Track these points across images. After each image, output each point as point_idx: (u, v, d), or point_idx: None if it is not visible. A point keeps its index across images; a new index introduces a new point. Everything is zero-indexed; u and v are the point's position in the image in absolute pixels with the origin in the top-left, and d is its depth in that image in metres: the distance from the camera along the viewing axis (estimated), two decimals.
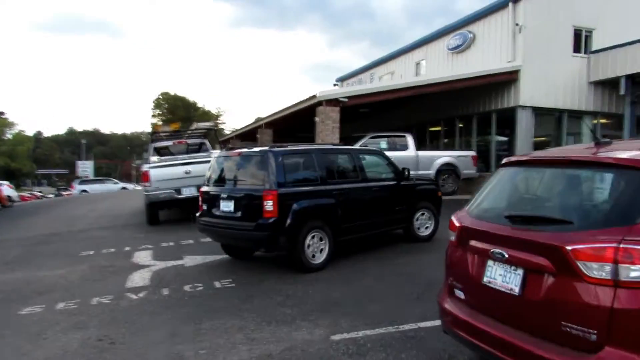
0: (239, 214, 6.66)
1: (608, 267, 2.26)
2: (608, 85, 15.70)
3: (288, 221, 6.39)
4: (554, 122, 15.91)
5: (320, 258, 6.76)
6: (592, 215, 2.76)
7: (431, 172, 14.21)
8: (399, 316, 4.71)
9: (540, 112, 15.37)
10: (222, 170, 7.37)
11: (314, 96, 13.95)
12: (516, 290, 2.69)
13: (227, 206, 6.84)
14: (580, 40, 15.55)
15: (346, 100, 13.93)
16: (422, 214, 8.43)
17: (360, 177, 7.59)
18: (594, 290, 2.30)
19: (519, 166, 3.40)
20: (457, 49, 18.09)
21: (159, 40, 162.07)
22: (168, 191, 11.09)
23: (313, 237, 6.68)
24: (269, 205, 6.30)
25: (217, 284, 6.32)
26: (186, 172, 11.18)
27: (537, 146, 15.77)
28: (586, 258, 2.34)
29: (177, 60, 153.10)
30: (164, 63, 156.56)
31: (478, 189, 3.57)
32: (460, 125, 18.71)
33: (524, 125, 15.07)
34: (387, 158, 8.40)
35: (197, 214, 7.52)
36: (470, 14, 17.65)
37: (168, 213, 12.74)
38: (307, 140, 15.11)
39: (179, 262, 7.67)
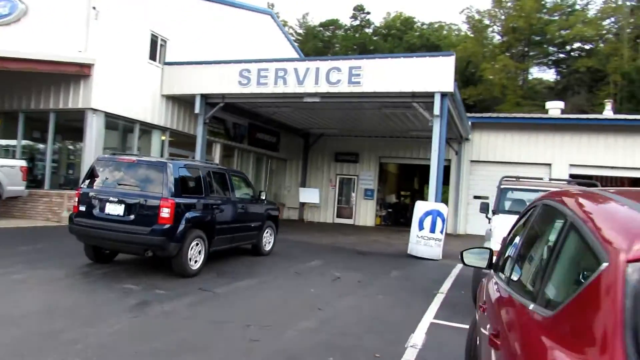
0: (130, 218, 7.34)
1: None
2: (182, 101, 16.31)
3: (180, 229, 7.38)
4: (123, 132, 15.05)
5: (197, 265, 7.83)
6: None
7: None
8: None
9: (112, 120, 14.15)
10: (110, 174, 7.84)
11: None
12: None
13: (115, 210, 7.42)
14: (157, 48, 15.50)
15: None
16: (268, 232, 10.55)
17: (231, 195, 9.16)
18: None
19: None
20: (1, 19, 14.43)
21: None
22: None
23: (195, 245, 7.73)
24: (165, 212, 7.23)
25: None
26: None
27: None
28: None
29: None
30: None
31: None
32: None
33: (95, 133, 13.40)
34: (248, 180, 10.67)
35: (72, 214, 7.85)
36: None
37: None
38: None
39: None
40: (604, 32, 56.81)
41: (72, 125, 14.10)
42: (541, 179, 8.61)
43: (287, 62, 14.38)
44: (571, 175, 20.03)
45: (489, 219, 8.18)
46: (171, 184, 7.39)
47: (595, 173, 19.85)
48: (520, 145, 21.11)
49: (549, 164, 20.68)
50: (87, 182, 7.98)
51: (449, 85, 12.58)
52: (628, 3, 49.11)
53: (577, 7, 53.16)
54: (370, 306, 6.74)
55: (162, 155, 16.04)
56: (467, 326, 6.15)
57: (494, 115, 23.40)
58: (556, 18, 53.54)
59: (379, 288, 7.99)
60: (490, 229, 7.83)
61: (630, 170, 19.53)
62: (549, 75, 67.25)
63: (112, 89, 13.77)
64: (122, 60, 14.10)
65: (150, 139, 15.70)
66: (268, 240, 10.62)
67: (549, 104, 25.82)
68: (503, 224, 7.48)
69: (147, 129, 15.42)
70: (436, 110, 12.63)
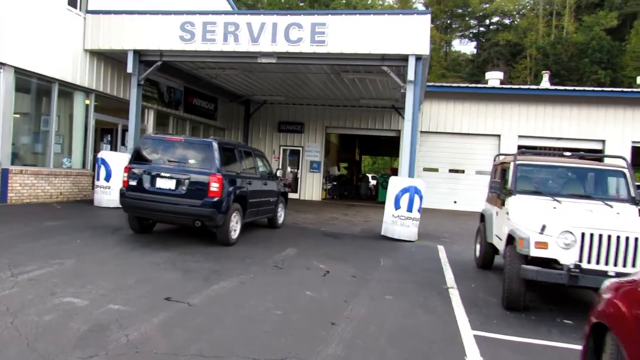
0: (182, 191, 8.05)
1: None
2: (111, 59, 13.81)
3: (226, 201, 8.15)
4: (39, 93, 12.41)
5: (235, 234, 8.70)
6: None
7: None
8: None
9: (23, 78, 11.54)
10: (158, 152, 8.57)
11: None
12: None
13: (166, 184, 8.11)
14: None
15: None
16: (280, 207, 11.31)
17: (256, 172, 10.06)
18: None
19: None
20: None
21: None
22: None
23: (234, 216, 8.52)
24: (215, 186, 7.98)
25: None
26: None
27: (19, 125, 11.86)
28: None
29: None
30: None
31: None
32: None
33: (3, 92, 10.78)
34: (266, 159, 11.34)
35: (122, 189, 8.38)
36: None
37: None
38: None
39: None
40: (521, 7, 58.64)
41: None
42: (561, 153, 7.58)
43: (239, 15, 12.45)
44: (519, 147, 19.81)
45: (502, 200, 7.06)
46: (217, 160, 8.13)
47: (543, 144, 19.74)
48: (470, 116, 20.56)
49: (499, 135, 20.34)
50: (137, 158, 8.56)
51: (424, 48, 11.30)
52: None
53: None
54: (388, 314, 5.41)
55: (86, 122, 13.61)
56: (515, 338, 5.05)
57: (446, 84, 22.64)
58: None
59: (380, 285, 6.68)
60: (507, 212, 6.73)
61: (576, 142, 19.58)
62: (469, 48, 68.77)
63: (23, 39, 11.17)
64: (35, 3, 11.46)
65: (72, 103, 13.17)
66: (280, 214, 11.36)
67: (488, 74, 25.54)
68: (523, 206, 6.40)
69: (67, 90, 12.88)
70: (410, 75, 11.32)
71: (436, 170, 20.92)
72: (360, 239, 10.70)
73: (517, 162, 7.00)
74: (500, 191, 7.19)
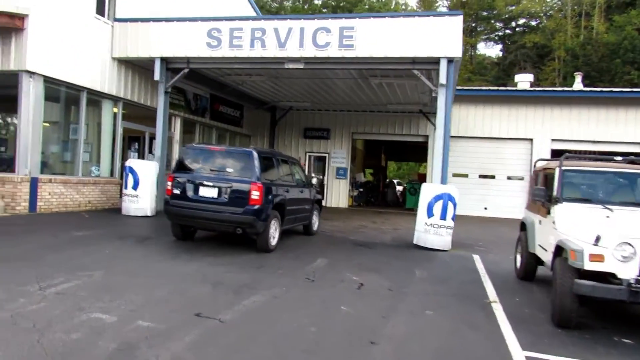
0: (224, 199, 8.29)
1: None
2: (138, 67, 13.81)
3: (266, 209, 8.37)
4: (68, 102, 12.45)
5: (274, 241, 8.87)
6: None
7: None
8: None
9: (53, 86, 11.58)
10: (200, 161, 8.80)
11: None
12: None
13: (209, 192, 8.34)
14: (104, 0, 12.90)
15: None
16: (315, 214, 11.50)
17: (294, 180, 10.27)
18: None
19: None
20: None
21: None
22: None
23: (273, 224, 8.72)
24: (255, 194, 8.19)
25: None
26: None
27: (48, 134, 11.89)
28: None
29: None
30: None
31: None
32: None
33: (33, 101, 10.84)
34: (302, 167, 12.05)
35: (167, 197, 8.67)
36: None
37: None
38: None
39: None
40: (548, 8, 57.34)
41: (1, 93, 11.45)
42: (610, 157, 7.13)
43: (266, 20, 12.25)
44: (553, 151, 19.18)
45: (547, 208, 6.66)
46: (258, 169, 8.32)
47: (578, 148, 19.06)
48: (501, 119, 20.01)
49: (531, 139, 19.72)
50: (180, 167, 8.85)
51: (456, 50, 10.94)
52: None
53: None
54: (430, 331, 5.08)
55: (114, 131, 13.61)
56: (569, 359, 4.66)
57: (474, 87, 22.14)
58: None
59: (418, 299, 6.34)
60: (553, 221, 6.32)
61: (614, 145, 18.85)
62: (494, 51, 67.61)
63: (52, 47, 11.21)
64: (63, 12, 11.52)
65: (100, 111, 13.19)
66: (315, 221, 11.52)
67: (518, 77, 24.83)
68: (572, 215, 5.98)
69: (96, 98, 12.90)
70: (442, 78, 10.98)
71: (466, 175, 20.40)
72: (392, 249, 10.36)
73: (563, 168, 6.58)
74: (544, 199, 6.77)
